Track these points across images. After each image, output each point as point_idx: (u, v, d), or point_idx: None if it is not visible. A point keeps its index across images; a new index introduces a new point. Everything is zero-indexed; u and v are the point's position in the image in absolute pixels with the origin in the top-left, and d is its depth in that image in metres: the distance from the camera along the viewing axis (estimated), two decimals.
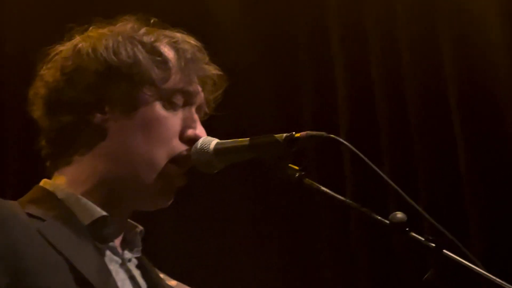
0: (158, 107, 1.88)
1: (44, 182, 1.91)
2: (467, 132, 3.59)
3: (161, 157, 1.87)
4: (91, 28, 1.96)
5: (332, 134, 1.80)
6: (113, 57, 1.87)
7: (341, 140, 1.77)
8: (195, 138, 1.90)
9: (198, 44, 1.97)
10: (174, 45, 1.93)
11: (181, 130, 1.91)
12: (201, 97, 1.96)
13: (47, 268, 1.70)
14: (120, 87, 1.86)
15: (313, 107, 3.89)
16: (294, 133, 1.81)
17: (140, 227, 1.97)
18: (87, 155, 1.88)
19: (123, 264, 1.89)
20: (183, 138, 1.91)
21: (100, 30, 1.94)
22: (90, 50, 1.88)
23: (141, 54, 1.88)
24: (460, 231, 3.47)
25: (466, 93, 3.60)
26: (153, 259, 2.02)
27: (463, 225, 3.53)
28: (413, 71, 3.70)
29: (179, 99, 1.91)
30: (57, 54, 1.93)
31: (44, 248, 1.72)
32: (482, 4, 3.59)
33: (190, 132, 1.91)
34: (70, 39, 1.95)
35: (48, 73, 1.92)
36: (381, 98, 3.76)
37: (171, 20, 2.01)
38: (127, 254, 1.92)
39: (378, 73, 3.78)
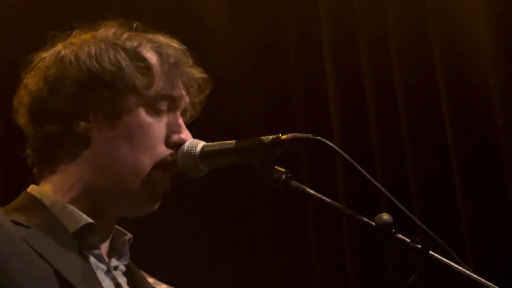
0: (142, 114, 1.87)
1: (31, 188, 1.91)
2: (459, 134, 3.58)
3: (147, 163, 1.86)
4: (74, 33, 1.95)
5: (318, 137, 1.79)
6: (95, 64, 1.85)
7: (326, 142, 1.77)
8: (181, 143, 1.89)
9: (182, 47, 1.95)
10: (158, 50, 1.91)
11: (167, 135, 1.90)
12: (185, 101, 1.94)
13: (32, 275, 1.69)
14: (103, 95, 1.85)
15: (305, 114, 3.90)
16: (280, 135, 1.80)
17: (129, 235, 1.96)
18: (72, 163, 1.87)
19: (109, 272, 1.88)
20: (168, 143, 1.90)
21: (83, 37, 1.92)
22: (72, 58, 1.87)
23: (124, 61, 1.86)
24: (453, 234, 3.47)
25: (457, 97, 3.60)
26: (141, 262, 2.02)
27: (456, 229, 3.53)
28: (405, 77, 3.70)
29: (163, 105, 1.90)
30: (40, 61, 1.92)
31: (30, 255, 1.72)
32: (472, 10, 3.59)
33: (175, 137, 1.90)
34: (53, 46, 1.93)
35: (31, 81, 1.90)
36: (373, 103, 3.76)
37: (163, 31, 2.00)
38: (114, 262, 1.91)
39: (369, 79, 3.78)
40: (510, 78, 3.47)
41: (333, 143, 1.78)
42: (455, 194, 3.54)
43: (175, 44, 1.95)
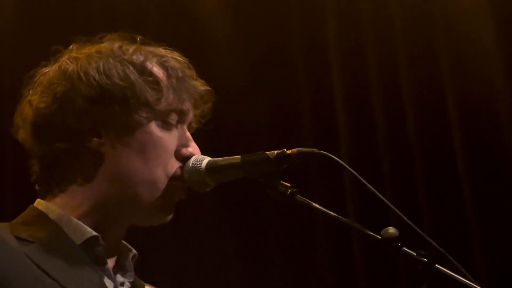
0: (154, 128, 1.87)
1: (38, 203, 1.90)
2: (469, 148, 3.59)
3: (160, 176, 1.86)
4: (75, 47, 1.93)
5: (323, 151, 1.80)
6: (105, 80, 1.84)
7: (332, 156, 1.77)
8: (190, 157, 1.90)
9: (186, 60, 1.96)
10: (164, 64, 1.91)
11: (176, 149, 1.90)
12: (192, 114, 1.95)
13: None
14: (115, 111, 1.84)
15: (312, 126, 3.90)
16: (285, 150, 1.81)
17: (134, 251, 1.95)
18: (84, 179, 1.86)
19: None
20: (178, 157, 1.90)
21: (87, 51, 1.91)
22: (81, 73, 1.85)
23: (133, 76, 1.85)
24: (464, 250, 3.47)
25: (466, 110, 3.61)
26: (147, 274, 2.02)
27: (467, 245, 3.52)
28: (413, 89, 3.71)
29: (173, 118, 1.90)
30: (43, 75, 1.90)
31: (33, 271, 1.71)
32: (480, 24, 3.60)
33: (185, 151, 1.90)
34: (55, 61, 1.92)
35: (36, 98, 1.88)
36: (381, 116, 3.77)
37: (164, 41, 2.00)
38: (120, 278, 1.90)
39: (377, 91, 3.78)
40: None
41: (340, 155, 1.79)
42: (465, 210, 3.54)
43: (179, 57, 1.95)
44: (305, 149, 1.80)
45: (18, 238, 1.78)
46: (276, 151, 1.81)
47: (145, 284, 2.01)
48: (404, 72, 3.72)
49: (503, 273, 3.48)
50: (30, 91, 1.91)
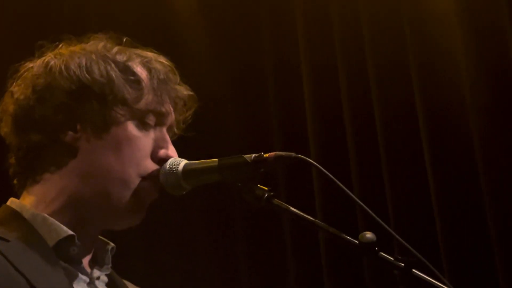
0: (131, 127, 1.87)
1: (11, 202, 1.89)
2: (436, 151, 3.61)
3: (133, 175, 1.85)
4: (61, 45, 1.94)
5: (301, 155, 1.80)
6: (86, 75, 1.84)
7: (310, 160, 1.77)
8: (167, 159, 1.89)
9: (170, 64, 1.96)
10: (147, 65, 1.92)
11: (153, 150, 1.89)
12: (172, 117, 1.95)
13: None
14: (92, 106, 1.84)
15: (283, 136, 3.92)
16: (262, 153, 1.81)
17: (112, 244, 1.95)
18: (56, 173, 1.86)
19: (91, 283, 1.87)
20: (154, 158, 1.89)
21: (72, 48, 1.92)
22: (62, 68, 1.86)
23: (114, 73, 1.86)
24: (429, 252, 3.48)
25: (434, 115, 3.64)
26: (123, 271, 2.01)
27: (432, 247, 3.55)
28: (382, 97, 3.73)
29: (151, 119, 1.90)
30: (27, 70, 1.91)
31: (7, 269, 1.70)
32: (448, 30, 3.64)
33: (161, 152, 1.89)
34: (40, 56, 1.92)
35: (18, 90, 1.89)
36: (351, 124, 3.78)
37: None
38: (96, 272, 1.89)
39: (347, 100, 3.80)
40: (486, 95, 3.51)
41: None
42: (432, 212, 3.57)
43: (164, 60, 1.96)
44: (283, 153, 1.80)
45: None
46: (253, 155, 1.81)
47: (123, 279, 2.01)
48: (373, 81, 3.74)
49: (465, 271, 3.50)
50: (14, 83, 1.91)
